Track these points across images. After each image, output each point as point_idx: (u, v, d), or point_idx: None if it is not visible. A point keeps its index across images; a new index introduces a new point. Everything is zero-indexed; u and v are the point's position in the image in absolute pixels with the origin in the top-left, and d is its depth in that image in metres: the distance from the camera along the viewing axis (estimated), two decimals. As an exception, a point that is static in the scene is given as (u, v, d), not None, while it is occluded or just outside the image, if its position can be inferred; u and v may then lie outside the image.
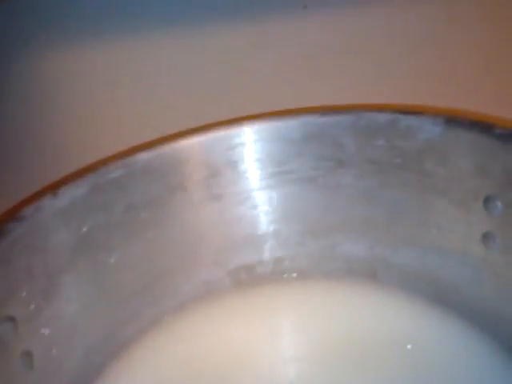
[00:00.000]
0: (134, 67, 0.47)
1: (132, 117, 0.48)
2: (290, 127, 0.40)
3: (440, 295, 0.37)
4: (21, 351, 0.32)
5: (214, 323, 0.39)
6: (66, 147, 0.48)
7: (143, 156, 0.38)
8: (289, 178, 0.40)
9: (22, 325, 0.32)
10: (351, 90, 0.50)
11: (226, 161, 0.40)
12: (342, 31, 0.48)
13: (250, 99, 0.49)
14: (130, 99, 0.48)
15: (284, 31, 0.48)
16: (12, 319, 0.32)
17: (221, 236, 0.41)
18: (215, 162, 0.40)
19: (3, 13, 0.44)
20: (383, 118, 0.38)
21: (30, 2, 0.44)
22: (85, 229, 0.36)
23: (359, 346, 0.36)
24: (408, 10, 0.48)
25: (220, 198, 0.40)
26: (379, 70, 0.50)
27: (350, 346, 0.36)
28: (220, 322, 0.39)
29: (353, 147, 0.39)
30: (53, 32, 0.45)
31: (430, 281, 0.38)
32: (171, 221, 0.39)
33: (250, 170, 0.40)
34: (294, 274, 0.41)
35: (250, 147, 0.40)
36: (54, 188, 0.36)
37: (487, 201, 0.35)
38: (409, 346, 0.36)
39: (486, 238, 0.35)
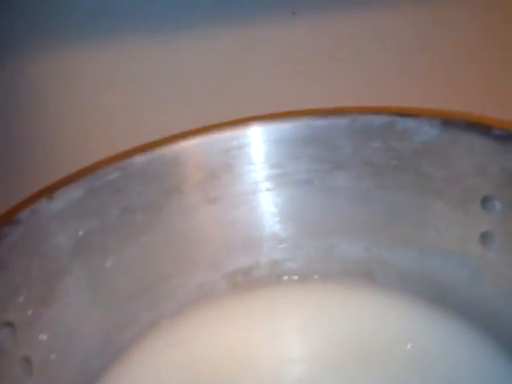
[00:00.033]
0: (126, 70, 0.47)
1: (126, 119, 0.48)
2: (286, 130, 0.40)
3: (439, 296, 0.37)
4: (20, 357, 0.32)
5: (212, 326, 0.39)
6: (60, 149, 0.48)
7: (139, 159, 0.38)
8: (285, 181, 0.40)
9: (21, 330, 0.32)
10: (341, 94, 0.50)
11: (222, 163, 0.40)
12: (331, 36, 0.48)
13: (241, 103, 0.49)
14: (123, 102, 0.48)
15: (273, 36, 0.48)
16: (10, 325, 0.31)
17: (218, 239, 0.41)
18: (211, 164, 0.40)
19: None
20: (380, 120, 0.38)
21: (20, 5, 0.44)
22: (81, 232, 0.36)
23: (359, 347, 0.36)
24: (396, 13, 0.49)
25: (216, 201, 0.40)
26: (368, 74, 0.50)
27: (349, 347, 0.36)
28: (218, 324, 0.39)
29: (350, 149, 0.39)
30: (46, 34, 0.44)
31: (428, 282, 0.38)
32: (168, 224, 0.39)
33: (246, 173, 0.40)
34: (292, 277, 0.41)
35: (246, 150, 0.40)
36: (49, 191, 0.35)
37: (485, 201, 0.35)
38: (409, 348, 0.36)
39: (485, 238, 0.36)
